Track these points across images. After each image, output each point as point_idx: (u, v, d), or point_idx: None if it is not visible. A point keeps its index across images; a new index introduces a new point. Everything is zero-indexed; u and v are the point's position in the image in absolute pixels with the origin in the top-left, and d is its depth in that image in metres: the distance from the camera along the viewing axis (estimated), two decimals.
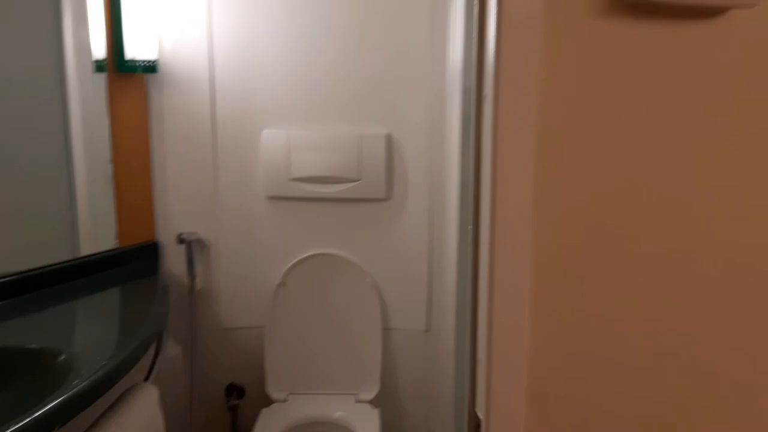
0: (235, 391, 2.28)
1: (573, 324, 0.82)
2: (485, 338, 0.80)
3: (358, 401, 2.17)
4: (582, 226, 0.79)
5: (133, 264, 2.05)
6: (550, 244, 0.79)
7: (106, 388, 1.36)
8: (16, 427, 1.07)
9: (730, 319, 0.86)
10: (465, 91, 1.92)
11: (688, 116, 0.80)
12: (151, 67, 1.99)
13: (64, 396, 1.20)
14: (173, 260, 2.16)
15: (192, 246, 2.16)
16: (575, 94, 0.77)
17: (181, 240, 2.14)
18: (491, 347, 0.79)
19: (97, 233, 2.00)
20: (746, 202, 0.83)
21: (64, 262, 1.85)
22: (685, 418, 0.87)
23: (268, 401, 2.15)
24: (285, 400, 2.16)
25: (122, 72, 1.96)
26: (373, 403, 2.17)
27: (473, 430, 0.84)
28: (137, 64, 1.96)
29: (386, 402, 2.29)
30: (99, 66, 1.91)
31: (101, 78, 1.94)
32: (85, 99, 1.91)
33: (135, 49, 1.95)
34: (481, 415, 0.83)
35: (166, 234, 2.15)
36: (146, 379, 1.73)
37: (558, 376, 0.83)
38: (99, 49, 1.90)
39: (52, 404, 1.16)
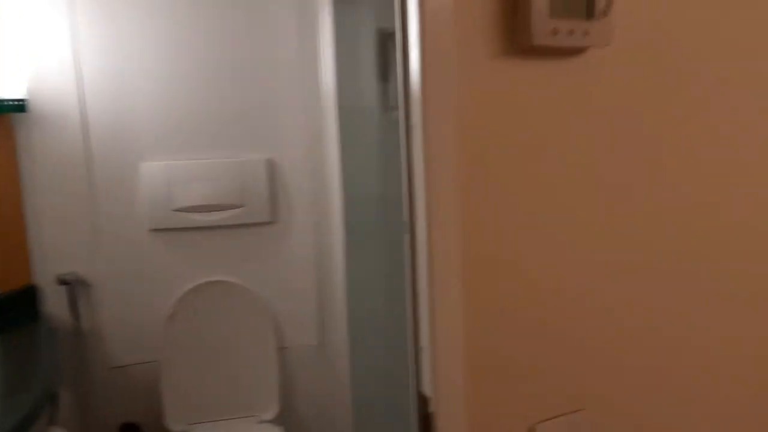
0: (129, 430, 2.23)
1: (498, 310, 0.99)
2: (427, 329, 0.95)
3: (261, 422, 2.22)
4: (500, 226, 0.97)
5: (12, 311, 1.95)
6: (477, 245, 0.96)
7: None
8: None
9: (637, 300, 1.09)
10: (341, 110, 2.08)
11: (569, 135, 1.01)
12: (19, 107, 1.93)
13: None
14: (55, 303, 2.08)
15: (74, 286, 2.10)
16: (483, 119, 0.95)
17: (61, 281, 2.07)
18: (434, 335, 0.94)
19: None
20: (621, 202, 1.06)
21: None
22: (607, 390, 1.09)
23: None
24: None
25: None
26: (275, 421, 2.23)
27: (422, 405, 0.98)
28: (4, 104, 1.89)
29: (288, 418, 2.37)
30: None
31: None
32: None
33: (1, 89, 1.88)
34: (428, 393, 0.97)
35: (45, 277, 2.07)
36: (50, 424, 1.68)
37: (488, 354, 1.00)
38: None
39: None
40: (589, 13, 0.95)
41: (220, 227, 2.23)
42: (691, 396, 1.21)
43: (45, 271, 2.07)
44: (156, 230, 2.19)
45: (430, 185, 0.91)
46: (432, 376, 0.96)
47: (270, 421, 2.23)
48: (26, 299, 2.00)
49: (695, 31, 1.10)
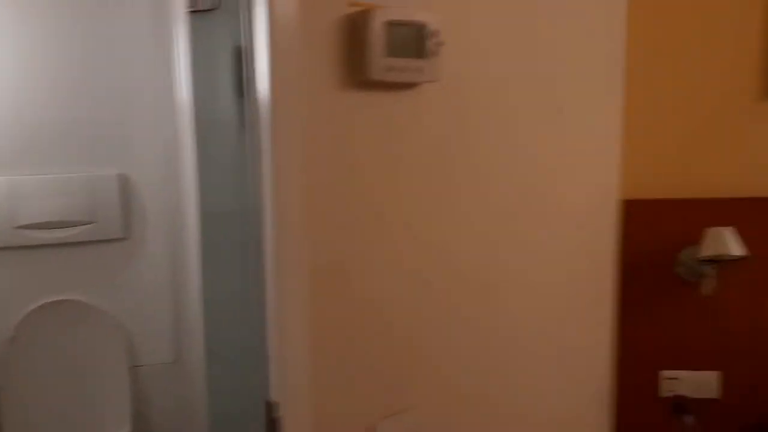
0: None
1: (341, 318, 1.08)
2: (277, 339, 1.01)
3: None
4: (343, 242, 1.07)
5: None
6: (322, 259, 1.04)
7: None
8: None
9: (447, 307, 1.22)
10: (198, 125, 2.09)
11: (406, 158, 1.13)
12: None
13: None
14: None
15: None
16: (329, 143, 1.04)
17: None
18: (281, 343, 1.01)
19: None
20: (446, 220, 1.20)
21: None
22: (436, 389, 1.20)
23: None
24: None
25: None
26: None
27: (269, 411, 1.05)
28: None
29: None
30: None
31: None
32: None
33: None
34: (275, 399, 1.04)
35: None
36: None
37: (332, 359, 1.08)
38: None
39: None
40: (421, 53, 1.08)
41: (68, 244, 2.15)
42: (499, 395, 1.38)
43: None
44: None
45: (279, 204, 0.98)
46: (278, 382, 1.02)
47: None
48: None
49: (508, 72, 1.27)
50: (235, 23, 2.16)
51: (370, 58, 1.02)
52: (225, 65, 2.20)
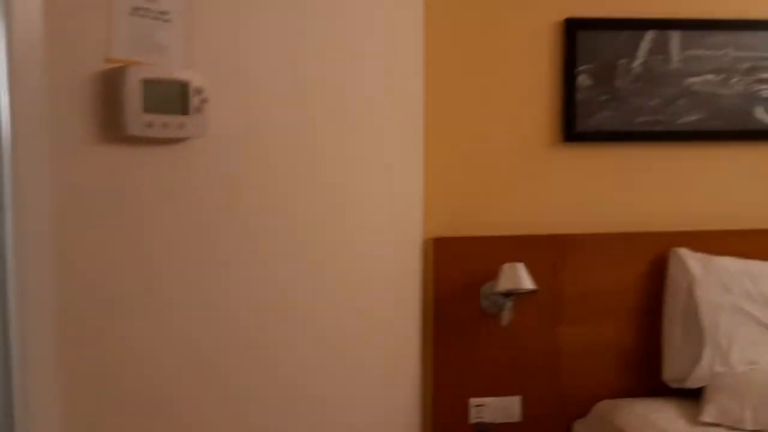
0: None
1: (94, 380, 1.05)
2: (21, 406, 0.97)
3: None
4: (95, 307, 1.04)
5: None
6: (71, 323, 1.01)
7: None
8: None
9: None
10: None
11: (168, 213, 1.13)
12: None
13: None
14: None
15: None
16: (81, 200, 1.02)
17: None
18: (26, 397, 0.96)
19: None
20: (220, 269, 1.20)
21: None
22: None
23: None
24: None
25: None
26: None
27: None
28: None
29: None
30: None
31: None
32: None
33: None
34: None
35: None
36: None
37: (84, 399, 1.05)
38: None
39: None
40: (184, 110, 1.09)
41: None
42: None
43: None
44: None
45: (22, 267, 0.94)
46: (23, 424, 0.97)
47: None
48: None
49: (274, 130, 1.29)
50: None
51: (126, 113, 1.01)
52: None
